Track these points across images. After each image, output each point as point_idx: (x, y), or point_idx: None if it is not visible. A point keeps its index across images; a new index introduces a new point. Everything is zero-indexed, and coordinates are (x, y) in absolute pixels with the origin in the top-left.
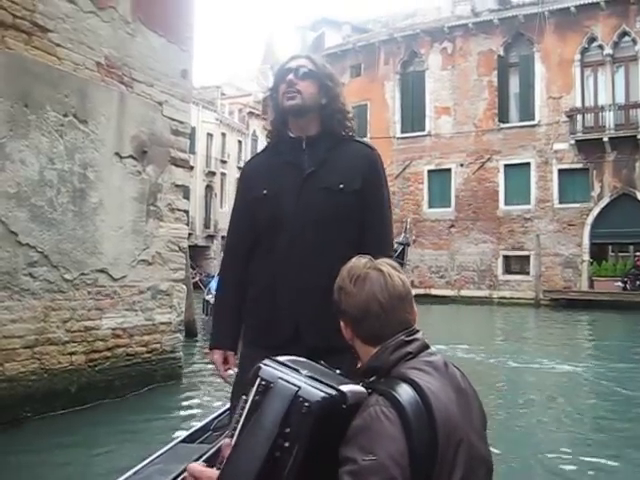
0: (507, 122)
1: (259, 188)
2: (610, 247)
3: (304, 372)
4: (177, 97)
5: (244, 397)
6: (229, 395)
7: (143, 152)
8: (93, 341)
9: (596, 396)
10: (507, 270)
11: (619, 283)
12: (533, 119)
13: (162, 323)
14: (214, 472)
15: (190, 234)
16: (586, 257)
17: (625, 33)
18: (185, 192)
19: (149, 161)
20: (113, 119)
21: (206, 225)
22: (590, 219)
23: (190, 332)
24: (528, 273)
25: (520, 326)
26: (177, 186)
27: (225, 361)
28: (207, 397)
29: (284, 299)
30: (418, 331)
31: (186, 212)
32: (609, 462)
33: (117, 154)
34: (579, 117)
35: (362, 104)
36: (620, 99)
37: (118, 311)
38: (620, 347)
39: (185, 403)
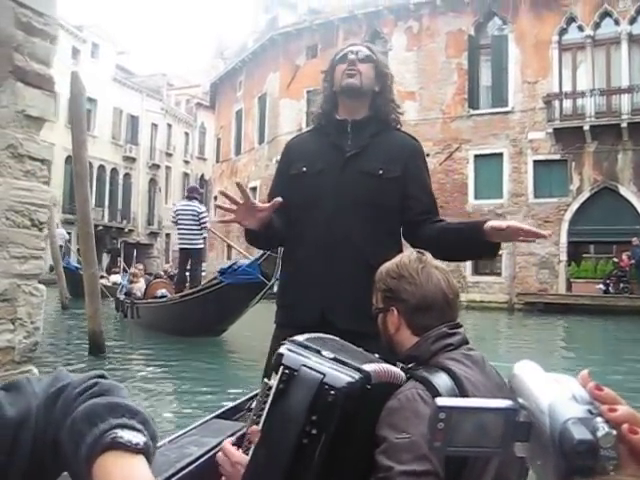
0: (478, 108)
1: (298, 165)
2: (591, 246)
3: (326, 353)
4: None
5: (266, 381)
6: None
7: None
8: None
9: None
10: (476, 271)
11: (600, 286)
12: (506, 105)
13: None
14: (243, 457)
15: (132, 230)
16: (563, 257)
17: (607, 13)
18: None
19: None
20: None
21: (149, 222)
22: (568, 215)
23: (95, 347)
24: (500, 274)
25: (491, 334)
26: (30, 118)
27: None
28: None
29: (317, 280)
30: (461, 326)
31: (46, 163)
32: None
33: None
34: (557, 103)
35: (318, 89)
36: (601, 84)
37: None
38: (601, 355)
39: None
